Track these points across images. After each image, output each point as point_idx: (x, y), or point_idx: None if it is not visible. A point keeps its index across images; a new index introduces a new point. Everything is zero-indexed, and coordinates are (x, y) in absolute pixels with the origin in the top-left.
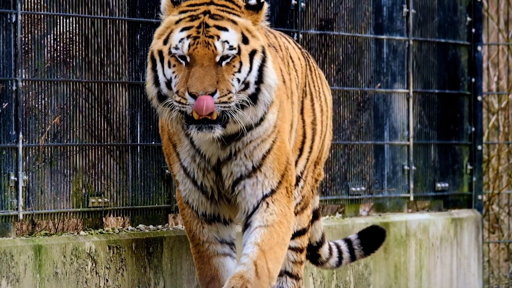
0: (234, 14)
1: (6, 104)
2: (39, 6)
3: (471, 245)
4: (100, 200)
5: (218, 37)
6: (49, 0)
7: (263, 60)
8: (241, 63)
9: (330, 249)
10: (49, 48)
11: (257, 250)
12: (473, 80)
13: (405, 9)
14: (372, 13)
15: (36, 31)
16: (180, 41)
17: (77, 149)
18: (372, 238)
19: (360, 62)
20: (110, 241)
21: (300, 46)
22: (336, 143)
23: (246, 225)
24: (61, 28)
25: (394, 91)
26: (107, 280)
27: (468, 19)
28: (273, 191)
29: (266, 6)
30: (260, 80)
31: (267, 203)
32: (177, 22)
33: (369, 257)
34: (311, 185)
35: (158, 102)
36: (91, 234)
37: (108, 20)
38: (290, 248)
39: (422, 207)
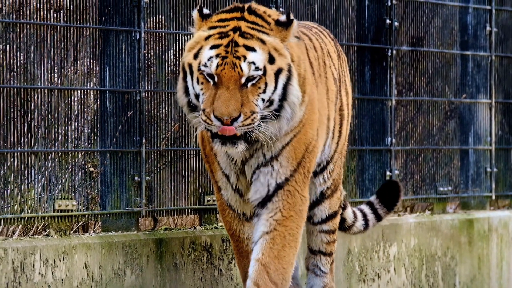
0: (263, 32)
1: (131, 112)
2: (160, 25)
3: None
4: (214, 198)
5: (245, 58)
6: (169, 19)
7: (288, 78)
8: (266, 84)
9: (354, 213)
10: (169, 63)
11: (258, 269)
12: None
13: (488, 28)
14: (458, 31)
15: (157, 48)
16: (209, 59)
17: (194, 153)
18: (390, 194)
19: (448, 75)
20: (223, 235)
21: (332, 36)
22: (426, 148)
23: (256, 215)
24: (181, 44)
25: (477, 101)
26: (220, 271)
27: None
28: (287, 180)
29: (295, 23)
30: (284, 97)
31: (277, 196)
32: (206, 38)
33: (455, 250)
34: (340, 168)
35: (189, 110)
36: (207, 229)
37: None
38: (323, 231)
39: (503, 205)
